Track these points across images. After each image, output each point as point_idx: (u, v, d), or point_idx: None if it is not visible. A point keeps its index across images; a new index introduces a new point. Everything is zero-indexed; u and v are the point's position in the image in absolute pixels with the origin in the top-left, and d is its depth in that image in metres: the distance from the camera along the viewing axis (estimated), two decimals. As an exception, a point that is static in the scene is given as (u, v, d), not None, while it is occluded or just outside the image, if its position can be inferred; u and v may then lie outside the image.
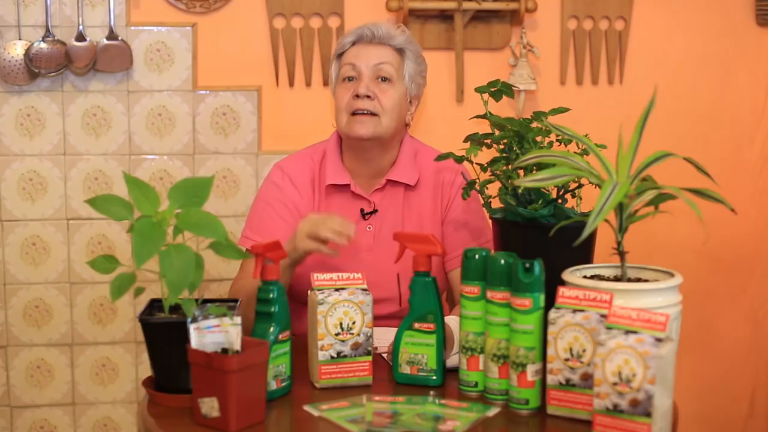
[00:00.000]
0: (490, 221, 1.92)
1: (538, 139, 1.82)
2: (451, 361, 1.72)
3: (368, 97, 2.04)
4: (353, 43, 2.11)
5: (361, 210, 2.10)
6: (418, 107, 2.19)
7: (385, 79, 2.07)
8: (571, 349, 1.48)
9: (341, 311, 1.66)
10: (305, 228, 1.87)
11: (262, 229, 2.04)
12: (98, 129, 2.62)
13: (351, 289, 1.67)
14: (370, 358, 1.68)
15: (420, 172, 2.13)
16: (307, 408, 1.56)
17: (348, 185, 2.10)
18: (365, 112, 2.04)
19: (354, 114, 2.04)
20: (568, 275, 1.61)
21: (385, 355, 1.83)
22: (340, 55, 2.13)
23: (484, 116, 1.91)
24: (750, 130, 2.91)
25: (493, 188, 1.88)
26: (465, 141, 1.91)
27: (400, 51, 2.10)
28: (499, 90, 1.92)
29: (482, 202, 1.91)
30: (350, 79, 2.08)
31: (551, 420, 1.51)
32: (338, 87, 2.10)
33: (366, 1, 2.68)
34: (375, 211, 2.10)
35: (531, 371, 1.52)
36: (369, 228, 2.10)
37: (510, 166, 1.81)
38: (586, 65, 2.78)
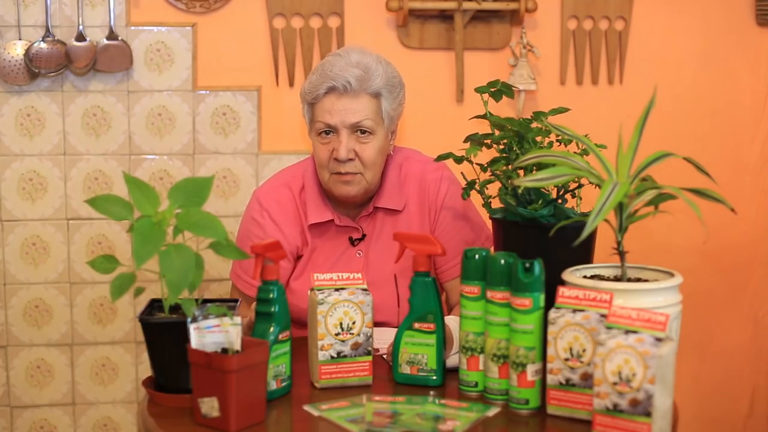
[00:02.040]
0: (489, 221, 1.91)
1: (538, 139, 1.82)
2: (451, 361, 1.72)
3: (350, 159, 1.97)
4: (325, 94, 1.97)
5: (350, 238, 2.08)
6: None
7: (364, 131, 1.98)
8: (571, 349, 1.48)
9: (341, 311, 1.66)
10: None
11: (251, 267, 2.00)
12: (98, 129, 2.62)
13: (351, 289, 1.67)
14: (370, 358, 1.68)
15: (407, 188, 2.09)
16: (307, 408, 1.56)
17: (331, 220, 2.06)
18: (347, 173, 1.98)
19: (336, 173, 1.99)
20: (568, 275, 1.61)
21: (385, 356, 1.83)
22: (312, 103, 2.01)
23: (484, 116, 1.91)
24: (750, 130, 2.91)
25: (493, 188, 1.88)
26: (465, 141, 1.91)
27: (377, 95, 1.99)
28: (499, 90, 1.92)
29: (482, 202, 1.91)
30: (327, 132, 1.99)
31: (551, 420, 1.51)
32: (315, 139, 2.02)
33: (366, 1, 2.68)
34: (363, 236, 2.08)
35: (531, 371, 1.52)
36: (359, 254, 2.08)
37: (510, 166, 1.81)
38: (586, 65, 2.78)
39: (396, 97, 2.04)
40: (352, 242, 2.08)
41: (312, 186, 2.07)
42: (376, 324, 1.88)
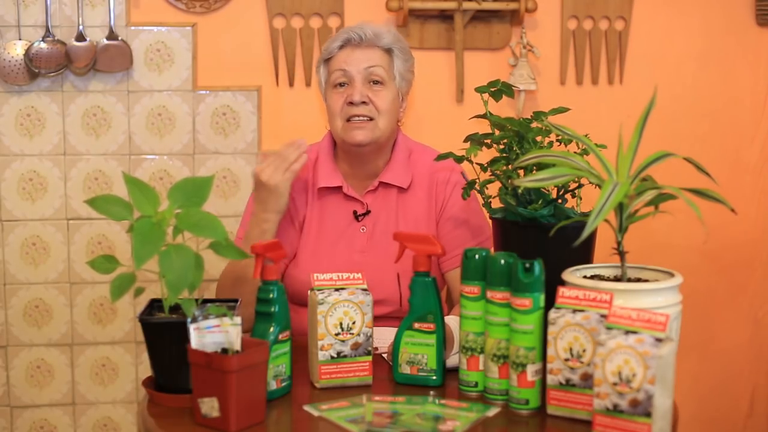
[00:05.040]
0: (489, 221, 1.91)
1: (538, 139, 1.82)
2: (451, 361, 1.72)
3: (363, 103, 2.04)
4: (341, 48, 2.09)
5: (354, 212, 2.10)
6: (410, 105, 2.20)
7: (377, 82, 2.06)
8: (571, 349, 1.48)
9: (341, 311, 1.66)
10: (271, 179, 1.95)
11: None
12: (98, 129, 2.62)
13: (351, 289, 1.67)
14: (370, 358, 1.68)
15: (414, 173, 2.13)
16: (307, 408, 1.56)
17: (340, 187, 2.10)
18: (362, 118, 2.04)
19: (350, 120, 2.04)
20: (568, 275, 1.61)
21: (385, 356, 1.83)
22: (327, 60, 2.11)
23: (484, 116, 1.91)
24: (750, 130, 2.91)
25: (493, 188, 1.88)
26: (465, 141, 1.91)
27: (389, 51, 2.09)
28: (499, 90, 1.92)
29: (482, 202, 1.91)
30: (342, 84, 2.07)
31: (551, 420, 1.51)
32: (330, 93, 2.09)
33: (366, 1, 2.68)
34: (368, 212, 2.10)
35: (531, 371, 1.52)
36: (363, 230, 2.10)
37: (510, 166, 1.81)
38: (586, 65, 2.78)
39: (407, 60, 2.13)
40: (356, 217, 2.09)
41: (325, 154, 2.14)
42: (377, 302, 1.89)
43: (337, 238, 2.10)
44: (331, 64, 2.09)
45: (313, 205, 2.12)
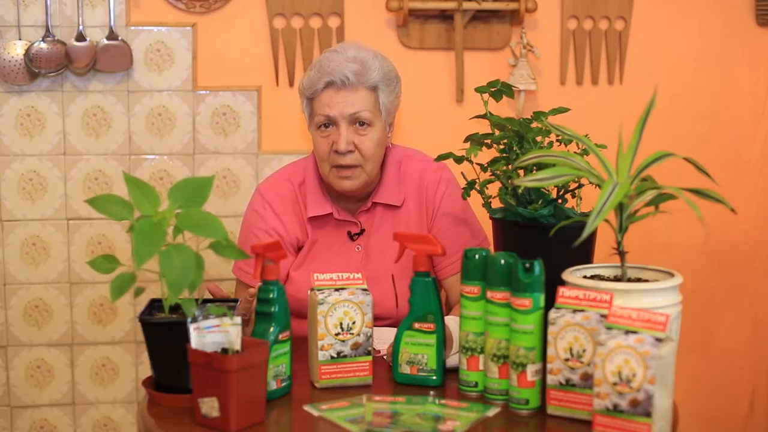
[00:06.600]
0: (489, 221, 1.91)
1: (538, 139, 1.82)
2: (451, 361, 1.72)
3: (350, 151, 1.99)
4: (324, 89, 2.00)
5: (348, 232, 2.09)
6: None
7: (363, 123, 2.00)
8: (571, 349, 1.48)
9: (341, 311, 1.66)
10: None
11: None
12: (98, 129, 2.62)
13: (351, 289, 1.67)
14: (370, 358, 1.68)
15: (405, 185, 2.11)
16: (307, 408, 1.56)
17: (330, 214, 2.08)
18: (349, 167, 2.00)
19: (336, 167, 2.01)
20: (568, 275, 1.61)
21: (385, 357, 1.83)
22: (310, 98, 2.04)
23: (484, 116, 1.91)
24: (750, 130, 2.91)
25: (493, 188, 1.88)
26: (465, 141, 1.91)
27: (374, 88, 2.02)
28: (499, 90, 1.92)
29: (482, 202, 1.91)
30: (327, 125, 2.01)
31: (551, 420, 1.51)
32: (314, 133, 2.04)
33: (366, 1, 2.68)
34: (362, 231, 2.09)
35: (531, 371, 1.52)
36: (358, 248, 2.09)
37: (510, 166, 1.81)
38: (586, 65, 2.78)
39: (393, 91, 2.06)
40: (351, 237, 2.09)
41: (312, 180, 2.10)
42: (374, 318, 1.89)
43: (332, 257, 2.08)
44: (315, 105, 2.03)
45: (306, 229, 2.09)
